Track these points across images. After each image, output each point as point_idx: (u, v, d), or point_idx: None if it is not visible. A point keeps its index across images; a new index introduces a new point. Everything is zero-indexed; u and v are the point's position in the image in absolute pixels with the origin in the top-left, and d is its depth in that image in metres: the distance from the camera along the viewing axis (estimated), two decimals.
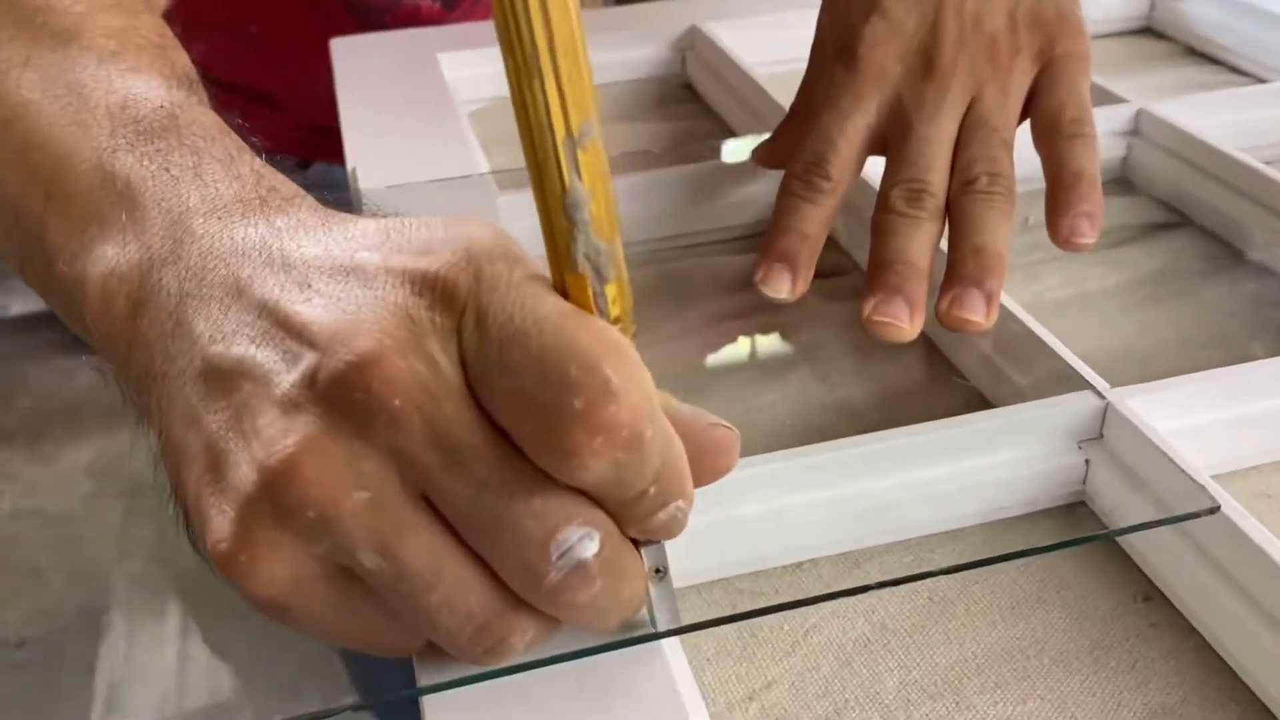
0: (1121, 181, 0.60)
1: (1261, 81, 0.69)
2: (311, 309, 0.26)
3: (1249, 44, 0.71)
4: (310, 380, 0.25)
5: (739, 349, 0.49)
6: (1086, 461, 0.39)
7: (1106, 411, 0.38)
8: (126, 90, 0.35)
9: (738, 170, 0.55)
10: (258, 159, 0.34)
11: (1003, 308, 0.43)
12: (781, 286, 0.43)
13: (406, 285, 0.26)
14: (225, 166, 0.32)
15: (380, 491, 0.25)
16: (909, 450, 0.37)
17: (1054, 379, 0.41)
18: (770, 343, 0.49)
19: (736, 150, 0.57)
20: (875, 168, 0.47)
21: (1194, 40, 0.75)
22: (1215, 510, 0.34)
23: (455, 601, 0.26)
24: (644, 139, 0.67)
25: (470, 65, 0.69)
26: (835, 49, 0.48)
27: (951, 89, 0.45)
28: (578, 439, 0.24)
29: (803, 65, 0.52)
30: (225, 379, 0.27)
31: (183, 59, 0.41)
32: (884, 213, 0.43)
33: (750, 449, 0.43)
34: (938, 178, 0.44)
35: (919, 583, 0.37)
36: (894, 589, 0.36)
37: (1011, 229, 0.43)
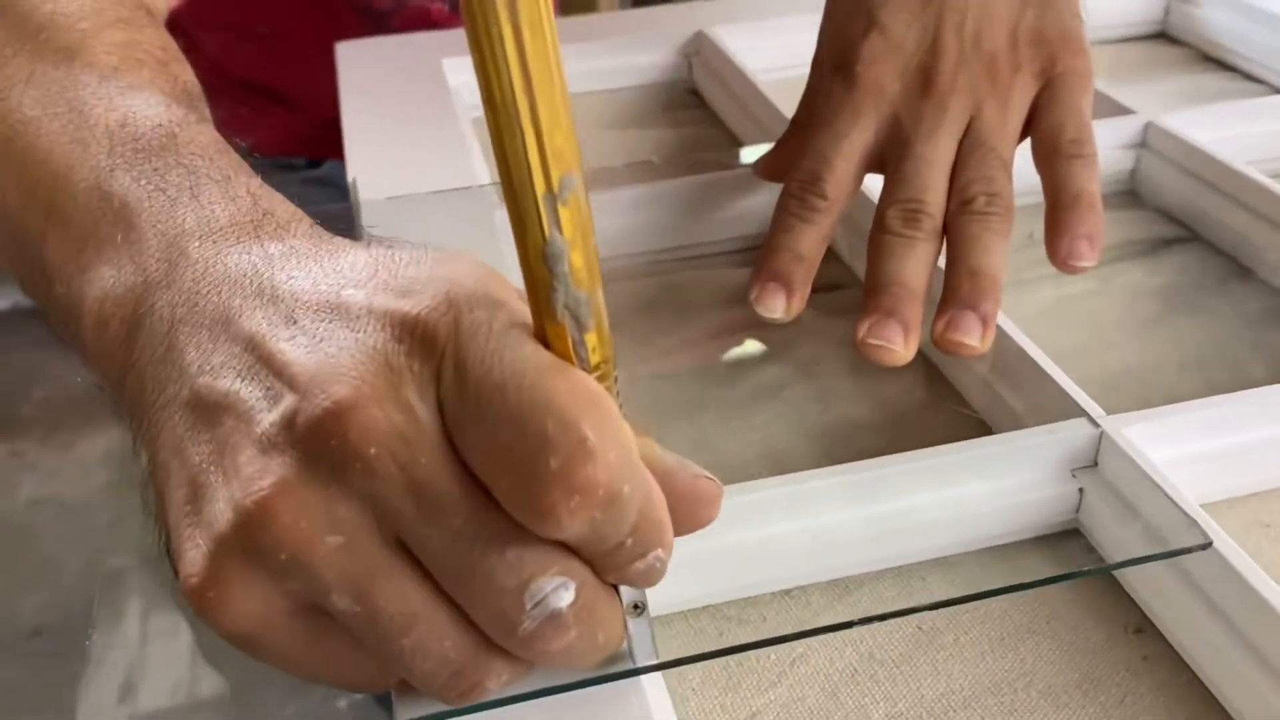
0: (1129, 195, 0.59)
1: (1276, 90, 0.68)
2: (294, 348, 0.26)
3: (1263, 51, 0.69)
4: (289, 423, 0.25)
5: (736, 365, 0.49)
6: (1080, 490, 0.38)
7: (1101, 440, 0.38)
8: (126, 108, 0.35)
9: (739, 182, 0.55)
10: (254, 179, 0.34)
11: (1000, 329, 0.43)
12: (776, 306, 0.43)
13: (387, 329, 0.26)
14: (222, 188, 0.32)
15: (354, 536, 0.25)
16: (901, 477, 0.37)
17: (1051, 404, 0.40)
18: (767, 359, 0.49)
19: (751, 160, 0.57)
20: (878, 181, 0.46)
21: (1208, 46, 0.74)
22: (1207, 546, 0.33)
23: (429, 646, 0.26)
24: (649, 145, 0.67)
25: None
26: (833, 65, 0.47)
27: (950, 108, 0.45)
28: (554, 498, 0.24)
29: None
30: (211, 412, 0.27)
31: (186, 73, 0.41)
32: (880, 233, 0.43)
33: (742, 471, 0.42)
34: (934, 198, 0.43)
35: None
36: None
37: (1009, 248, 0.43)
